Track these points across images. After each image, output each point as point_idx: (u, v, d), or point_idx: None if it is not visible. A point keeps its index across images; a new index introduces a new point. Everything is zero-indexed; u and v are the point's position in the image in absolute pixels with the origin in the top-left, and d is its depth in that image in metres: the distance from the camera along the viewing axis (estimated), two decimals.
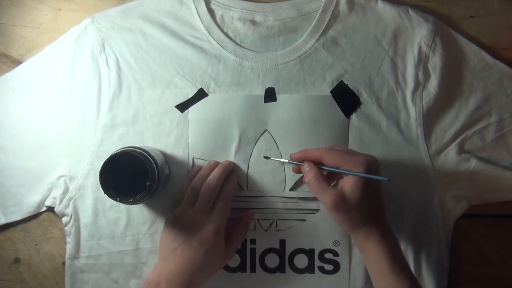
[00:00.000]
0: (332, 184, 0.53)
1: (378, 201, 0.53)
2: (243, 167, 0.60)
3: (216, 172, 0.57)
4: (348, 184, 0.50)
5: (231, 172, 0.59)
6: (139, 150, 0.53)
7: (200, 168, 0.59)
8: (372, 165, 0.51)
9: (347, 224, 0.52)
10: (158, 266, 0.55)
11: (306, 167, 0.54)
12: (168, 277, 0.53)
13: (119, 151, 0.52)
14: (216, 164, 0.59)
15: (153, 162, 0.52)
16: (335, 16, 0.61)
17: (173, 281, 0.52)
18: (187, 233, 0.54)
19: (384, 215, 0.53)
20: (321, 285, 0.59)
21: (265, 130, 0.60)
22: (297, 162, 0.56)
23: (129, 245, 0.59)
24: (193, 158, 0.60)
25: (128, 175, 0.51)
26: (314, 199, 0.59)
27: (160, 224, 0.59)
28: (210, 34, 0.61)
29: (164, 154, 0.59)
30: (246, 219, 0.59)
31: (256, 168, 0.60)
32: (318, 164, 0.54)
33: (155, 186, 0.52)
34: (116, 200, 0.51)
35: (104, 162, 0.51)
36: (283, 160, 0.58)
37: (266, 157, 0.59)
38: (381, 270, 0.50)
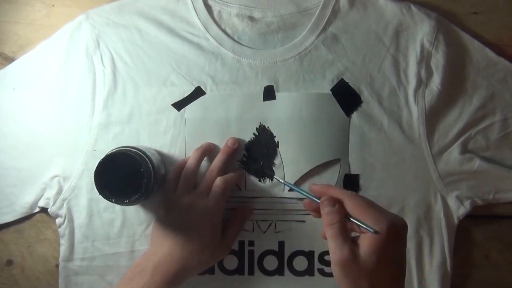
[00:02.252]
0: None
1: (397, 277, 0.44)
2: (241, 166, 0.60)
3: (219, 158, 0.57)
4: (364, 244, 0.43)
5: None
6: (135, 150, 0.53)
7: (187, 157, 0.59)
8: (398, 230, 0.43)
9: None
10: (148, 251, 0.55)
11: (327, 204, 0.46)
12: (156, 262, 0.52)
13: (114, 151, 0.52)
14: (208, 144, 0.58)
15: (149, 162, 0.52)
16: (335, 12, 0.61)
17: (160, 267, 0.52)
18: (183, 217, 0.54)
19: None
20: None
21: None
22: (312, 197, 0.50)
23: (125, 247, 0.59)
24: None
25: (123, 175, 0.51)
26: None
27: None
28: (207, 30, 0.61)
29: (160, 153, 0.59)
30: (243, 213, 0.59)
31: (254, 167, 0.60)
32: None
33: (151, 187, 0.52)
34: (111, 201, 0.51)
35: (99, 163, 0.51)
36: (291, 186, 0.55)
37: (271, 177, 0.59)
38: None
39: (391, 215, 0.45)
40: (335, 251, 0.44)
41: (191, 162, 0.57)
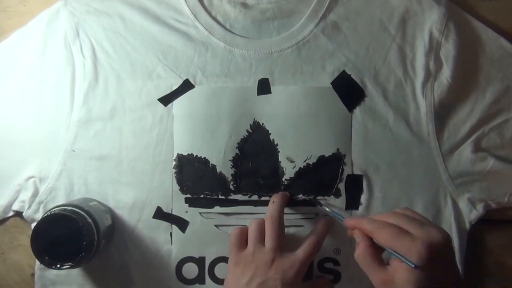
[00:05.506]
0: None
1: None
2: (234, 166, 0.59)
3: (278, 203, 0.55)
4: (400, 272, 0.43)
5: None
6: (70, 208, 0.52)
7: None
8: (434, 253, 0.42)
9: None
10: None
11: (357, 236, 0.48)
12: None
13: (46, 215, 0.51)
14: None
15: (88, 218, 0.51)
16: None
17: None
18: (265, 274, 0.51)
19: None
20: None
21: None
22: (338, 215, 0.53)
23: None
24: (177, 153, 0.58)
25: (63, 239, 0.51)
26: (313, 202, 0.58)
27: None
28: (196, 18, 0.60)
29: (102, 203, 0.58)
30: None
31: (248, 167, 0.58)
32: None
33: (96, 242, 0.51)
34: (57, 268, 0.50)
35: (32, 232, 0.51)
36: (336, 212, 0.54)
37: (315, 202, 0.57)
38: None
39: (425, 237, 0.43)
40: (373, 280, 0.45)
41: (275, 209, 0.55)
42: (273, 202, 0.56)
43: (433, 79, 0.58)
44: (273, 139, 0.58)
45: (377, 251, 0.47)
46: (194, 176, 0.58)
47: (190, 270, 0.58)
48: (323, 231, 0.56)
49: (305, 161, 0.58)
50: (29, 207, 0.58)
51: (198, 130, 0.58)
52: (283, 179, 0.58)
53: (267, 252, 0.52)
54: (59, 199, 0.58)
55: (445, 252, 0.44)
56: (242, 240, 0.55)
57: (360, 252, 0.47)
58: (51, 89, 0.59)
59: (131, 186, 0.58)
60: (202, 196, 0.58)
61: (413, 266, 0.42)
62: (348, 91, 0.59)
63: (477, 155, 0.57)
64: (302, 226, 0.58)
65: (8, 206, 0.59)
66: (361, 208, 0.58)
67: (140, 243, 0.58)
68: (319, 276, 0.58)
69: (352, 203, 0.58)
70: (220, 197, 0.58)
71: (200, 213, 0.58)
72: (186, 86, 0.59)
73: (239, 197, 0.58)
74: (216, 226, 0.58)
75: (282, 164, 0.58)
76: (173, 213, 0.58)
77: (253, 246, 0.53)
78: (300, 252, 0.53)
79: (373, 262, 0.46)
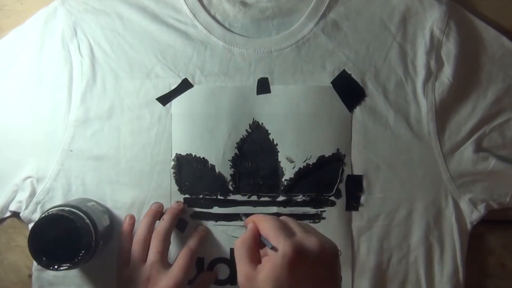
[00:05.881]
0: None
1: None
2: (233, 166, 0.58)
3: (165, 217, 0.56)
4: (263, 268, 0.42)
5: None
6: (68, 208, 0.52)
7: (132, 218, 0.57)
8: (303, 258, 0.41)
9: None
10: None
11: (248, 227, 0.47)
12: None
13: (44, 215, 0.51)
14: (158, 206, 0.57)
15: (86, 218, 0.51)
16: None
17: None
18: None
19: None
20: None
21: None
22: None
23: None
24: (176, 153, 0.58)
25: (60, 239, 0.50)
26: (312, 203, 0.58)
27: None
28: (195, 17, 0.59)
29: (100, 204, 0.57)
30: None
31: (247, 167, 0.58)
32: None
33: (94, 243, 0.51)
34: (54, 269, 0.50)
35: (30, 233, 0.51)
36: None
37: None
38: None
39: (302, 238, 0.42)
40: (238, 273, 0.44)
41: (142, 230, 0.55)
42: (163, 219, 0.56)
43: (434, 78, 0.58)
44: (272, 139, 0.58)
45: (258, 247, 0.45)
46: (193, 176, 0.58)
47: None
48: (196, 243, 0.56)
49: (305, 161, 0.58)
50: (26, 208, 0.58)
51: (197, 129, 0.58)
52: (283, 179, 0.58)
53: (145, 269, 0.53)
54: (57, 200, 0.58)
55: (318, 263, 0.42)
56: (126, 260, 0.54)
57: (240, 239, 0.45)
58: (49, 88, 0.59)
59: (129, 186, 0.58)
60: (201, 196, 0.58)
61: (270, 247, 0.42)
62: (348, 90, 0.58)
63: (479, 155, 0.57)
64: None
65: (5, 207, 0.59)
66: (361, 208, 0.58)
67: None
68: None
69: (352, 203, 0.58)
70: (219, 197, 0.58)
71: None
72: (185, 85, 0.59)
73: (238, 197, 0.58)
74: (215, 226, 0.58)
75: (281, 164, 0.58)
76: None
77: (132, 265, 0.54)
78: (174, 268, 0.53)
79: (247, 254, 0.44)
